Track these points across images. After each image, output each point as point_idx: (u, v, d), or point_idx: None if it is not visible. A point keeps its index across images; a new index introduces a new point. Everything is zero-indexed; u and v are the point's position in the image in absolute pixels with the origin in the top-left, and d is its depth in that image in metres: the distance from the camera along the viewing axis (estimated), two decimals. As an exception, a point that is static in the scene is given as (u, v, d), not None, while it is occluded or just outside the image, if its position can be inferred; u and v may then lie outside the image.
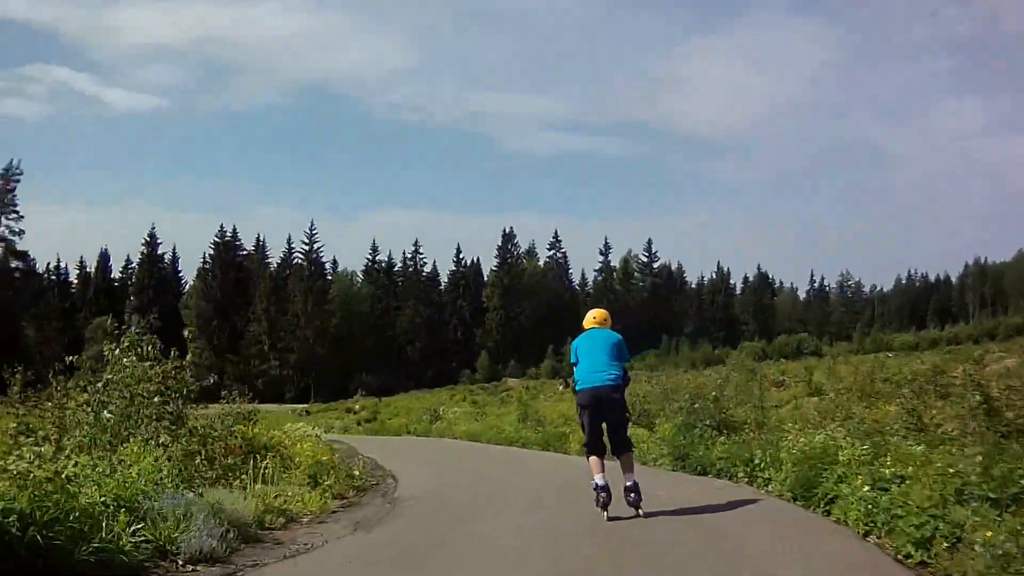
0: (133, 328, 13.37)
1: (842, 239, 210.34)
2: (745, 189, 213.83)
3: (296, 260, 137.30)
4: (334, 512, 12.55)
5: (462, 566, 8.83)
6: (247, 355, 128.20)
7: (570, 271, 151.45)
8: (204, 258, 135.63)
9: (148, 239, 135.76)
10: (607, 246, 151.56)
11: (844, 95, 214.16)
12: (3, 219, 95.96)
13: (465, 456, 23.81)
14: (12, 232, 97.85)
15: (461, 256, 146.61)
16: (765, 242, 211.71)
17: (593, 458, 10.98)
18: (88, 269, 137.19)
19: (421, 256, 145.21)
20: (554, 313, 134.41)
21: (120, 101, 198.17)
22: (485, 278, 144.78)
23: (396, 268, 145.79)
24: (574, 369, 11.30)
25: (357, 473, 16.22)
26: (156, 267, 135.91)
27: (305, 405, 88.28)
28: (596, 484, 10.82)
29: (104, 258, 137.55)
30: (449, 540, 10.14)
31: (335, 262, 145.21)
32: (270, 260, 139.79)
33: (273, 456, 14.39)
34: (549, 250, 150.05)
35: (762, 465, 13.23)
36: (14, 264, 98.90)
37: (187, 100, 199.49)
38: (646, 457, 17.34)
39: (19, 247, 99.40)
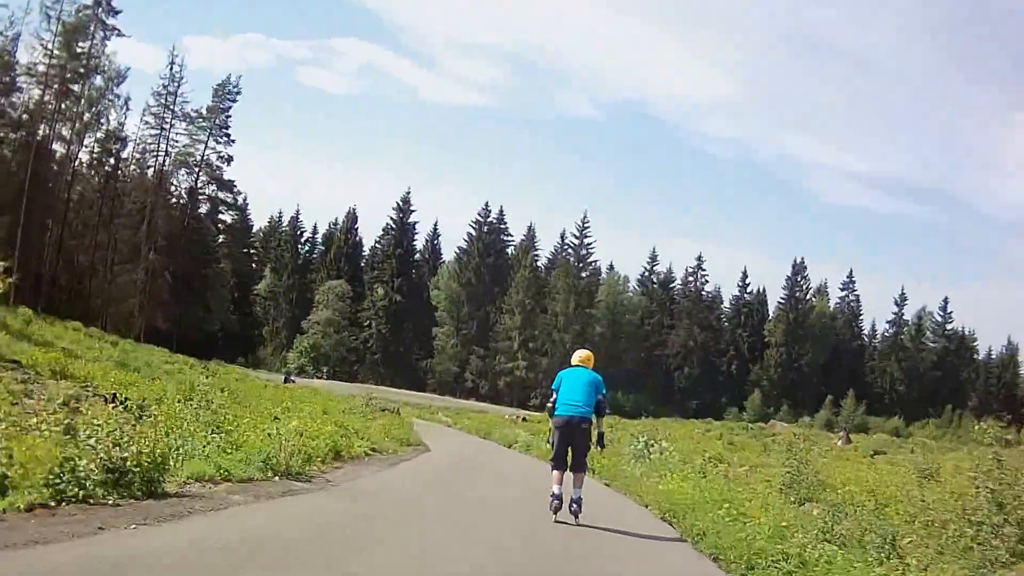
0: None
1: None
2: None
3: (567, 256, 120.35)
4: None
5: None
6: (495, 349, 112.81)
7: (860, 317, 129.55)
8: (466, 239, 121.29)
9: (399, 204, 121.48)
10: (903, 297, 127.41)
11: None
12: (211, 140, 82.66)
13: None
14: (220, 157, 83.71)
15: (747, 281, 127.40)
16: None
17: (556, 472, 12.54)
18: (335, 228, 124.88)
19: (703, 273, 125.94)
20: (838, 360, 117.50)
21: (429, 87, 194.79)
22: (770, 313, 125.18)
23: (675, 284, 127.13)
24: (554, 395, 12.70)
25: None
26: (406, 237, 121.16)
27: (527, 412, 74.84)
28: (553, 492, 12.43)
29: (351, 219, 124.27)
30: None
31: (611, 267, 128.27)
32: (539, 252, 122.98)
33: None
34: (841, 291, 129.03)
35: None
36: (218, 194, 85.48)
37: (497, 99, 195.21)
38: None
39: (227, 175, 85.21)
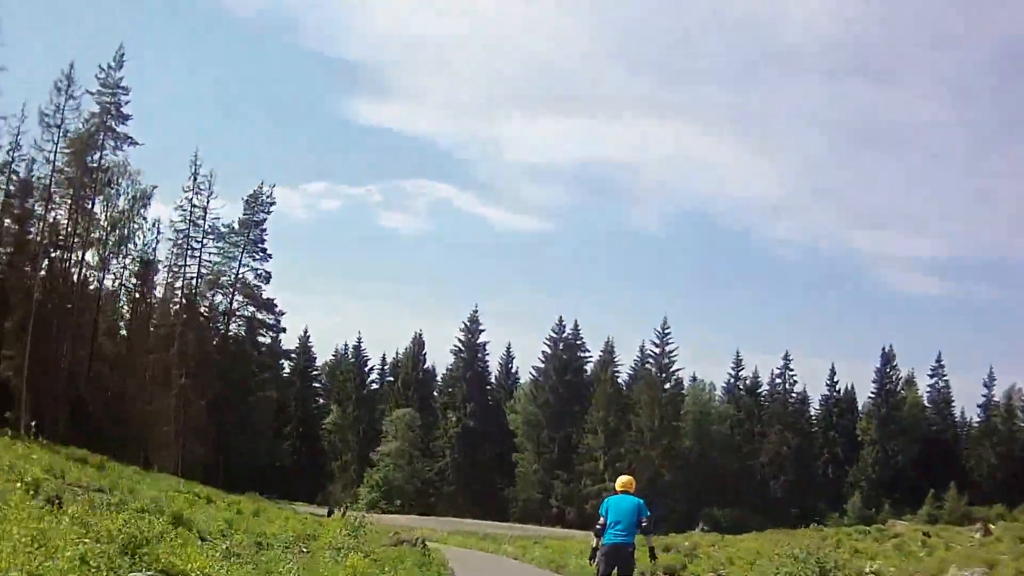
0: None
1: None
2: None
3: (648, 367, 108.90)
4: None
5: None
6: (579, 472, 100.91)
7: (953, 404, 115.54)
8: (542, 358, 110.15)
9: (467, 324, 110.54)
10: (991, 378, 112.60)
11: None
12: (245, 256, 73.29)
13: None
14: (257, 275, 75.20)
15: (836, 379, 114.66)
16: None
17: None
18: (401, 357, 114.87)
19: (791, 374, 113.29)
20: (933, 451, 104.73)
21: (499, 220, 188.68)
22: (860, 408, 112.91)
23: (762, 389, 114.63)
24: (601, 520, 13.63)
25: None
26: (476, 358, 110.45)
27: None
28: None
29: (418, 345, 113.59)
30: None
31: (694, 377, 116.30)
32: (619, 368, 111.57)
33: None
34: (931, 376, 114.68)
35: None
36: (258, 315, 76.01)
37: (564, 222, 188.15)
38: None
39: (266, 295, 76.68)
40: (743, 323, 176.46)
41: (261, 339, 78.07)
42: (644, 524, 13.52)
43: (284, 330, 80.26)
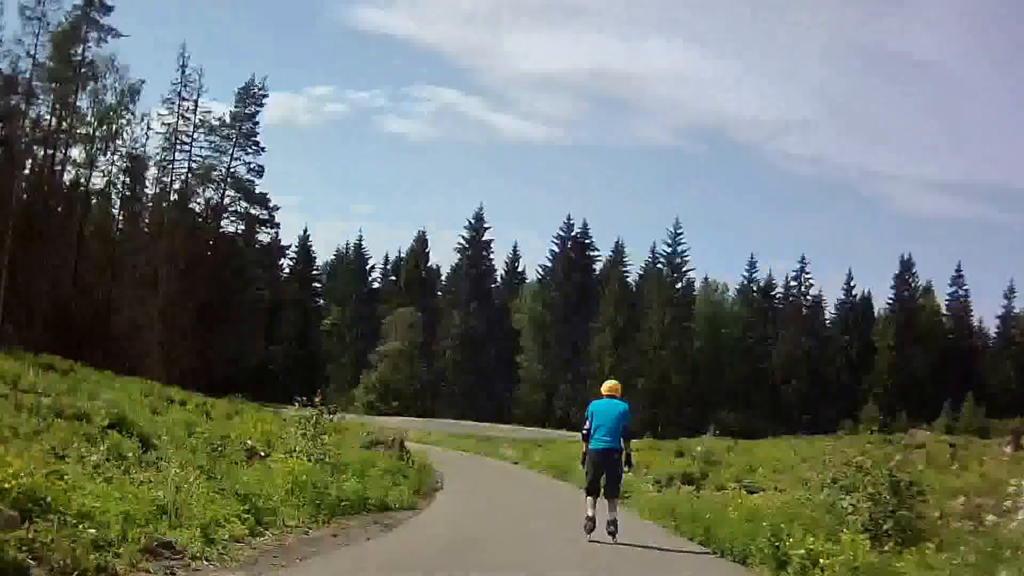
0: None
1: None
2: None
3: (658, 267, 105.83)
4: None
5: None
6: (585, 373, 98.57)
7: (971, 313, 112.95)
8: (549, 257, 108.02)
9: (471, 222, 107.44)
10: (1011, 290, 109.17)
11: None
12: (236, 150, 70.01)
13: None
14: (250, 169, 72.08)
15: (852, 283, 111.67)
16: None
17: (589, 498, 13.62)
18: (401, 254, 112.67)
19: (807, 276, 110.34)
20: (951, 361, 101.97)
21: (507, 127, 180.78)
22: (876, 314, 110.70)
23: (776, 292, 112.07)
24: (587, 425, 13.74)
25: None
26: (480, 256, 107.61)
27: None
28: (587, 515, 13.48)
29: (421, 243, 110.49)
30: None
31: (706, 279, 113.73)
32: (628, 270, 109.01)
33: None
34: (950, 286, 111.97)
35: None
36: (250, 210, 73.59)
37: (572, 130, 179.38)
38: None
39: (259, 189, 74.35)
40: (757, 235, 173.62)
41: (255, 235, 75.79)
42: (626, 429, 13.69)
43: (278, 225, 77.67)
